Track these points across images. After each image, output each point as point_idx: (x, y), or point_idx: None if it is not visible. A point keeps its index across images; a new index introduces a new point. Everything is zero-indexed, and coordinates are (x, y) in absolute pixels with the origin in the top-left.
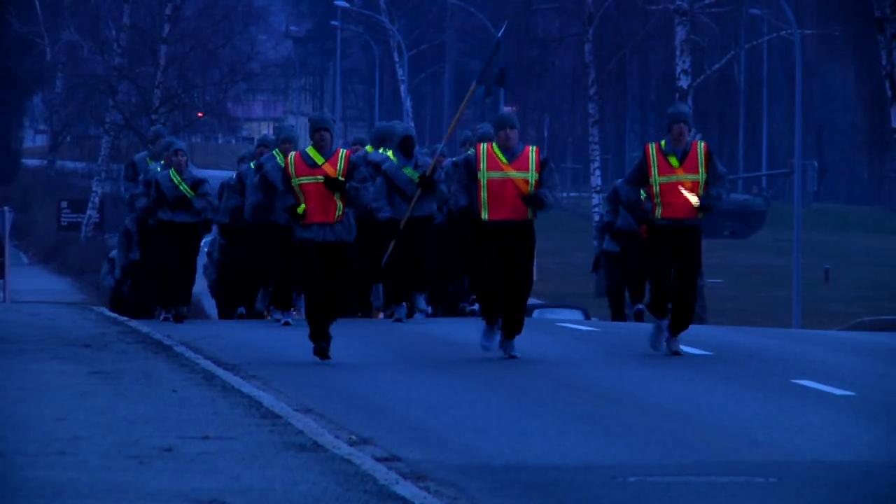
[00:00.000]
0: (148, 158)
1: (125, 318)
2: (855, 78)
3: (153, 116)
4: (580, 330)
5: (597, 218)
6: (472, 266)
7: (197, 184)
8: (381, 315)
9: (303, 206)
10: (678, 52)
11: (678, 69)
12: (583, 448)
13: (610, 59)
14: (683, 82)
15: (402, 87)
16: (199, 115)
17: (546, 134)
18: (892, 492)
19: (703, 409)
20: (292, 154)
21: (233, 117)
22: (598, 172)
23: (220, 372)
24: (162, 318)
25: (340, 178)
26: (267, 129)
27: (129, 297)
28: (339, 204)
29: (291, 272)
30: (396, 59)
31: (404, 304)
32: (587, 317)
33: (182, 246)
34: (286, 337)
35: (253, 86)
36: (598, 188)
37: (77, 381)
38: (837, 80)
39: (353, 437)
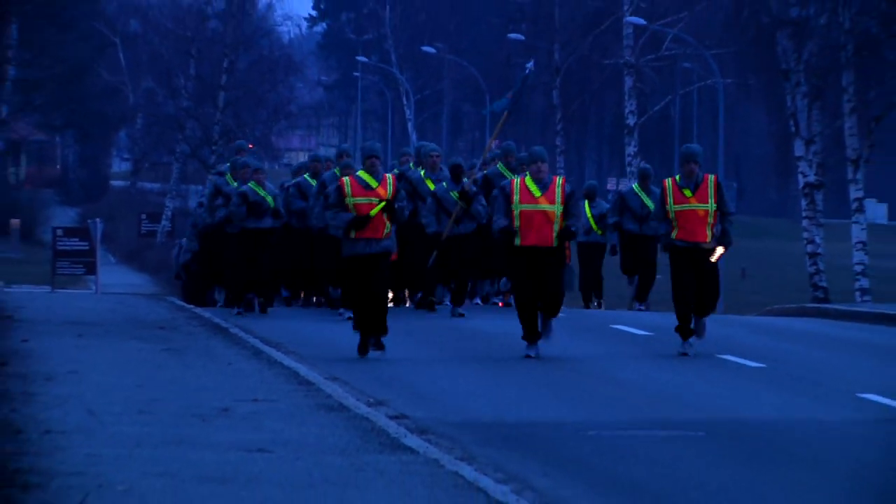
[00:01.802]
0: (228, 176)
1: (191, 306)
2: (766, 117)
3: (213, 147)
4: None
5: None
6: (512, 284)
7: (275, 197)
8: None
9: (374, 209)
10: (626, 97)
11: (626, 110)
12: (552, 409)
13: (573, 103)
14: (631, 121)
15: (409, 125)
16: (250, 146)
17: None
18: (797, 444)
19: (646, 378)
20: (347, 178)
21: (276, 148)
22: None
23: (266, 348)
24: (236, 312)
25: (390, 199)
26: (303, 157)
27: (191, 289)
28: (388, 224)
29: (341, 281)
30: (405, 102)
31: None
32: None
33: (262, 247)
34: (321, 322)
35: (292, 123)
36: None
37: (153, 356)
38: (752, 119)
39: (371, 400)
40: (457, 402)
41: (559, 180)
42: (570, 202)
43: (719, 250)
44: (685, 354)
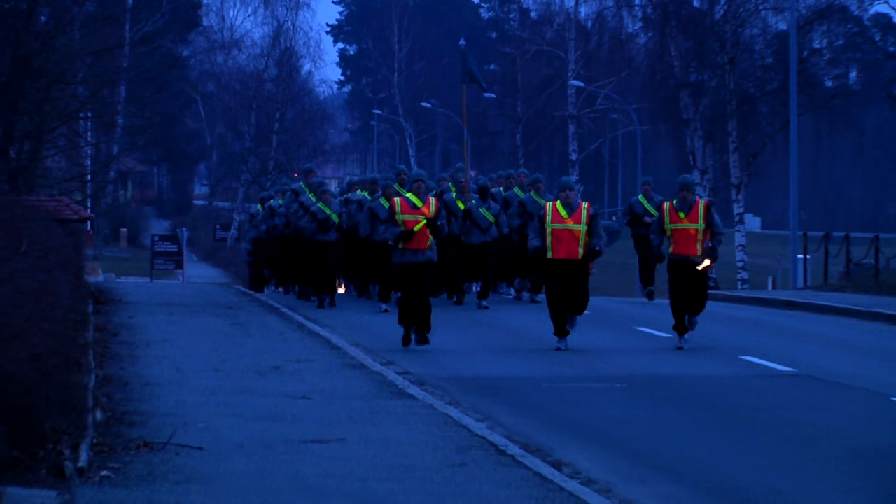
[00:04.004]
0: (303, 185)
1: (252, 292)
2: (672, 154)
3: (268, 176)
4: (522, 302)
5: None
6: (545, 289)
7: (340, 214)
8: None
9: (418, 226)
10: (570, 140)
11: (570, 149)
12: (513, 367)
13: (531, 143)
14: (573, 157)
15: (412, 160)
16: (296, 175)
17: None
18: (694, 391)
19: (583, 344)
20: (398, 198)
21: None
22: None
23: (307, 323)
24: (317, 304)
25: (433, 217)
26: (336, 184)
27: (251, 277)
28: (430, 237)
29: (390, 283)
30: (409, 143)
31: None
32: None
33: (330, 255)
34: (355, 310)
35: (326, 158)
36: None
37: (224, 328)
38: (662, 155)
39: (383, 360)
40: (445, 361)
41: (585, 205)
42: (593, 223)
43: (706, 262)
44: (680, 348)
